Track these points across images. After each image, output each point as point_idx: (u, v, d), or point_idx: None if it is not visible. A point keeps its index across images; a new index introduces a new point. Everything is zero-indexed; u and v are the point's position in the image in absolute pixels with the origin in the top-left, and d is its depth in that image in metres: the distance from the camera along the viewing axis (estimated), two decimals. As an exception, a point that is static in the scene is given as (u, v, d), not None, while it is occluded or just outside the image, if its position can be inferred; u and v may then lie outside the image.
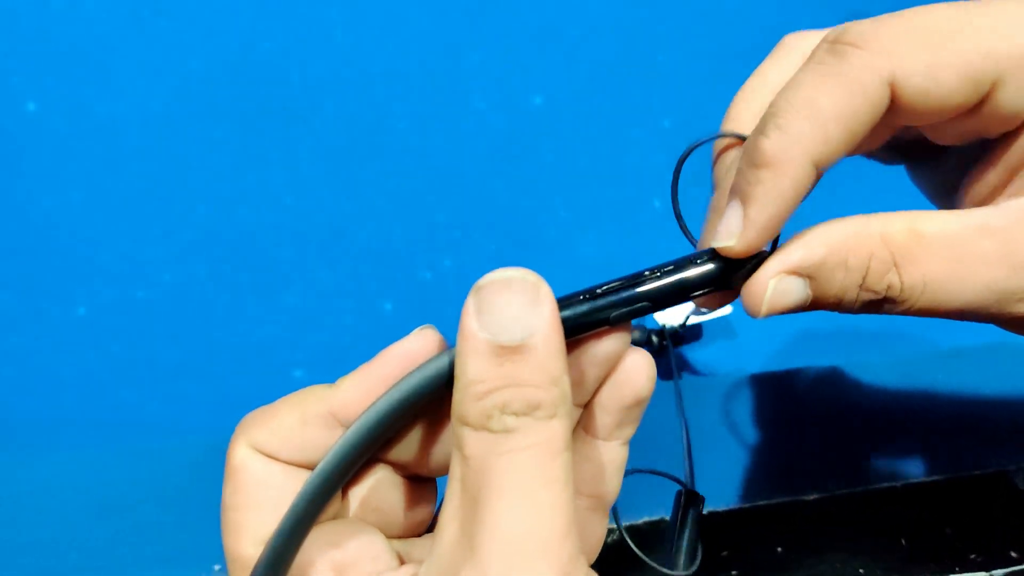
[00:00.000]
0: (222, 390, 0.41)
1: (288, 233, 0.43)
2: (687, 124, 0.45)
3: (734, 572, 0.38)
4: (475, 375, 0.19)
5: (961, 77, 0.21)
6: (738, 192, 0.22)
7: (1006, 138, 0.22)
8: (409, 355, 0.22)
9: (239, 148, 0.44)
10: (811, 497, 0.39)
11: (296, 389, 0.40)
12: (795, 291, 0.22)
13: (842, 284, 0.22)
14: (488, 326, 0.19)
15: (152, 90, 0.44)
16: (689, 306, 0.35)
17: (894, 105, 0.21)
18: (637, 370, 0.23)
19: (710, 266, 0.22)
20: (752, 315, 0.22)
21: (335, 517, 0.22)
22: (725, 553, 0.38)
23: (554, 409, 0.19)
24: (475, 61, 0.47)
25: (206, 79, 0.45)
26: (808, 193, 0.22)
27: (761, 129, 0.22)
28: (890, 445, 0.40)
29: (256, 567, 0.20)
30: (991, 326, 0.24)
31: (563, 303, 0.21)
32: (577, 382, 0.22)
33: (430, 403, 0.21)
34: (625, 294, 0.21)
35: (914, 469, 0.39)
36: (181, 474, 0.38)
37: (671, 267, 0.22)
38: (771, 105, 0.22)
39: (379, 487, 0.23)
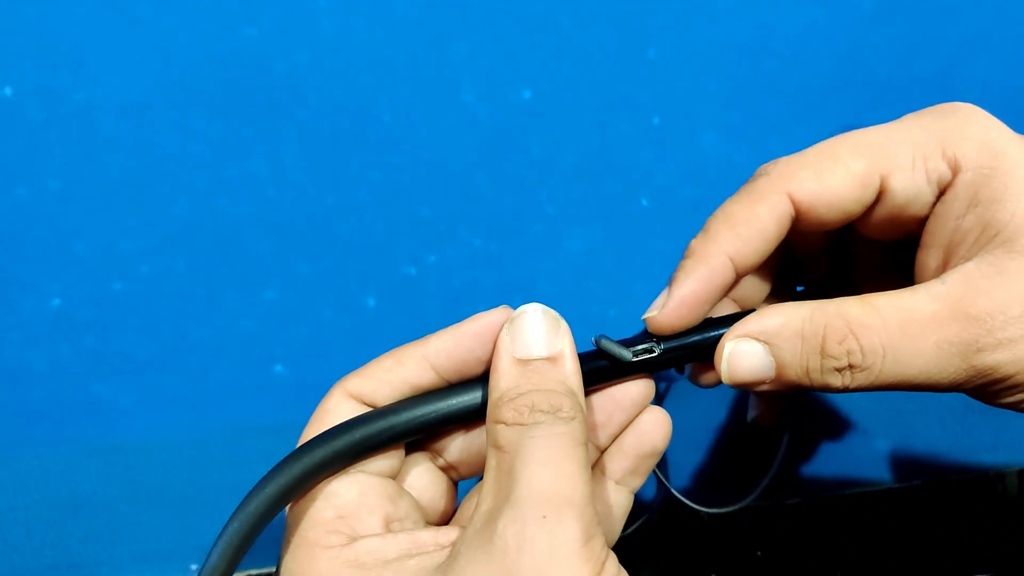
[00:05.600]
0: (199, 385, 0.40)
1: (269, 225, 0.43)
2: (677, 122, 0.45)
3: (712, 575, 0.38)
4: (508, 385, 0.24)
5: (848, 179, 0.25)
6: (670, 280, 0.27)
7: (928, 222, 0.26)
8: (496, 323, 0.25)
9: (220, 138, 0.43)
10: (792, 501, 0.39)
11: (277, 385, 0.40)
12: (756, 355, 0.25)
13: (803, 353, 0.25)
14: (519, 346, 0.24)
15: (131, 77, 0.43)
16: None
17: (801, 212, 0.26)
18: (657, 424, 0.27)
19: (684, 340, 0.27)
20: (725, 381, 0.26)
21: (392, 477, 0.26)
22: (705, 557, 0.38)
23: (573, 413, 0.24)
24: (463, 52, 0.46)
25: (187, 66, 0.44)
26: (723, 287, 0.27)
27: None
28: (873, 450, 0.40)
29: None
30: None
31: (589, 354, 0.26)
32: (604, 424, 0.27)
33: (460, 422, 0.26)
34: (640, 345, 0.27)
35: (897, 474, 0.39)
36: (156, 472, 0.37)
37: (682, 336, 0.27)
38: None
39: (425, 474, 0.27)
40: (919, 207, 0.26)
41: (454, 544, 0.23)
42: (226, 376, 0.41)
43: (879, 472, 0.40)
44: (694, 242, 0.27)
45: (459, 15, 0.46)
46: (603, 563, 0.22)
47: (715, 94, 0.45)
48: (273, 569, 0.39)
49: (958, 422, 0.41)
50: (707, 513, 0.31)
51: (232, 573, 0.23)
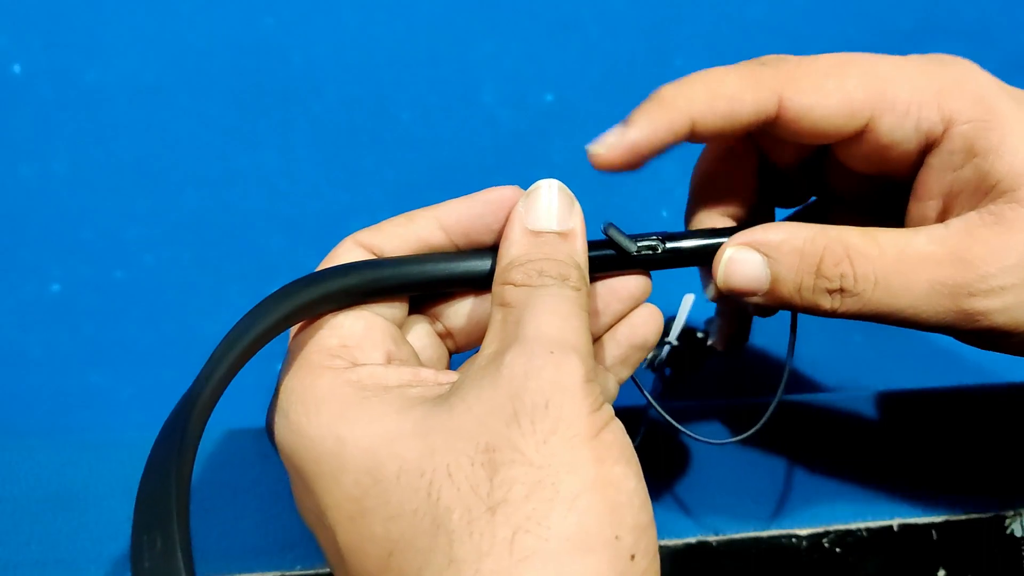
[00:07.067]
0: (199, 381, 0.39)
1: (279, 220, 0.42)
2: (702, 133, 0.44)
3: (721, 603, 0.36)
4: (518, 252, 0.25)
5: (840, 104, 0.26)
6: (628, 118, 0.27)
7: (921, 174, 0.26)
8: (508, 197, 0.26)
9: (233, 128, 0.42)
10: (804, 531, 0.38)
11: (276, 382, 0.38)
12: (753, 264, 0.26)
13: (799, 270, 0.26)
14: (533, 218, 0.25)
15: (145, 60, 0.42)
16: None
17: (782, 117, 0.26)
18: (651, 319, 0.28)
19: (703, 241, 0.27)
20: (718, 285, 0.26)
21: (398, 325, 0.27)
22: (714, 585, 0.37)
23: (579, 284, 0.24)
24: (486, 52, 0.45)
25: (203, 52, 0.43)
26: (675, 142, 0.26)
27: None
28: (887, 483, 0.39)
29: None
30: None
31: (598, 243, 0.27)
32: (600, 312, 0.27)
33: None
34: (648, 242, 0.27)
35: (910, 508, 0.38)
36: (150, 468, 0.36)
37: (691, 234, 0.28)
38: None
39: (424, 336, 0.27)
40: (901, 151, 0.26)
41: (454, 384, 0.23)
42: (227, 373, 0.40)
43: (894, 506, 0.39)
44: (668, 89, 0.27)
45: (483, 14, 0.45)
46: (601, 404, 0.22)
47: (743, 107, 0.44)
48: (283, 573, 0.37)
49: (976, 460, 0.40)
50: (712, 444, 0.31)
51: (234, 375, 0.23)
